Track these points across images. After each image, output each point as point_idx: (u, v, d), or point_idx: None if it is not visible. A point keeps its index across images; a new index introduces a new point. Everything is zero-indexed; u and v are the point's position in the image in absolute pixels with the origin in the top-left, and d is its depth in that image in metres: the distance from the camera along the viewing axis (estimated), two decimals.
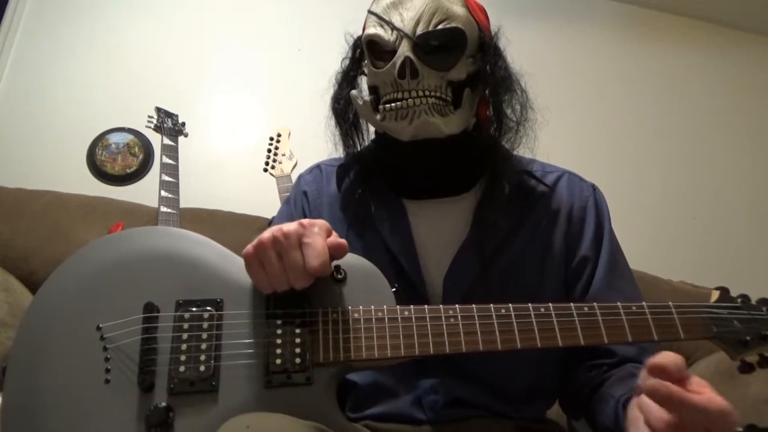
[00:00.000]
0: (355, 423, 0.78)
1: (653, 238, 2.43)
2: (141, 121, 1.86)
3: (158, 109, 1.86)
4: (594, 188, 0.90)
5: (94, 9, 2.40)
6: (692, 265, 2.25)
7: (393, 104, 0.80)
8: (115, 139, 2.26)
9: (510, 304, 0.66)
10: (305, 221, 0.65)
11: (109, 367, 0.61)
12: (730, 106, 2.80)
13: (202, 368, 0.61)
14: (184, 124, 1.88)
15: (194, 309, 0.64)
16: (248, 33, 2.51)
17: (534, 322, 0.65)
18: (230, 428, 0.54)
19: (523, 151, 0.88)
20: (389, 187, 0.88)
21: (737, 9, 2.76)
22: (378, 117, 0.83)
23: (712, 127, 2.77)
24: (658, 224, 2.52)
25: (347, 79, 0.91)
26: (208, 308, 0.64)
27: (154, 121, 1.82)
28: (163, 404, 0.59)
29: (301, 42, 2.53)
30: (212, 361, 0.62)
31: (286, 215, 0.96)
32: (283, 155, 1.89)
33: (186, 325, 0.63)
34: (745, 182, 2.71)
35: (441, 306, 0.66)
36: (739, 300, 0.69)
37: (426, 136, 0.81)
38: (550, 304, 0.66)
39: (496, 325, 0.65)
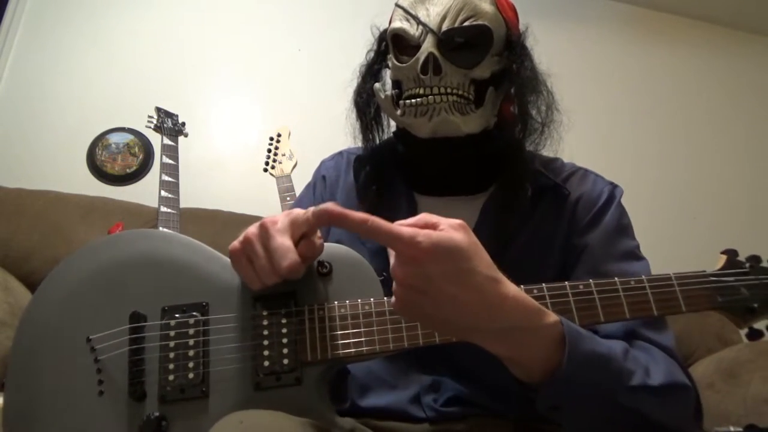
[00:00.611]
0: (354, 419, 0.78)
1: (653, 238, 2.43)
2: (141, 121, 1.87)
3: (158, 109, 1.86)
4: (613, 186, 0.88)
5: (94, 9, 2.40)
6: (692, 265, 2.25)
7: (413, 100, 0.80)
8: (115, 139, 2.26)
9: None
10: (267, 220, 0.62)
11: (101, 379, 0.62)
12: (729, 106, 2.80)
13: (191, 375, 0.61)
14: (184, 124, 1.88)
15: (179, 315, 0.64)
16: (248, 33, 2.51)
17: None
18: (224, 425, 0.55)
19: (546, 153, 0.87)
20: (403, 181, 0.88)
21: (737, 9, 2.76)
22: (398, 112, 0.82)
23: (712, 126, 2.77)
24: (658, 224, 2.52)
25: (371, 72, 0.90)
26: (194, 313, 0.64)
27: (154, 121, 1.82)
28: (156, 414, 0.60)
29: (301, 42, 2.53)
30: (201, 367, 0.61)
31: (306, 199, 0.97)
32: (283, 155, 1.89)
33: (173, 333, 0.63)
34: (746, 182, 2.71)
35: None
36: (747, 264, 0.65)
37: (444, 134, 0.81)
38: (544, 284, 0.63)
39: None
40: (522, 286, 0.63)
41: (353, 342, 0.63)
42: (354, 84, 0.93)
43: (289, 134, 1.95)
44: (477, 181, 0.86)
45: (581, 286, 0.63)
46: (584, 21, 2.80)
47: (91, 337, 0.63)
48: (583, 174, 0.89)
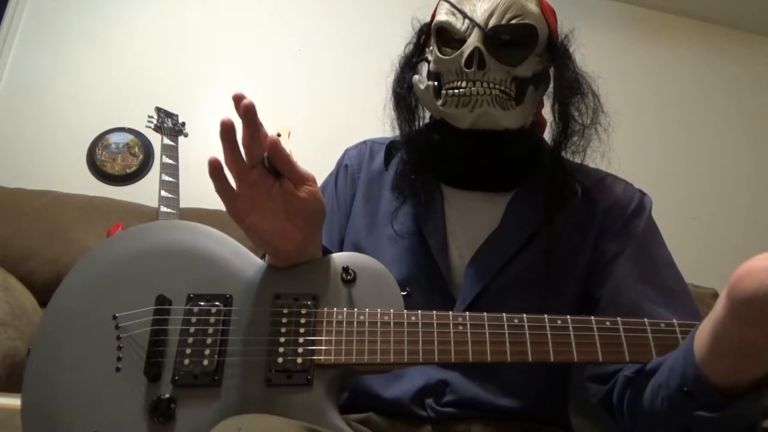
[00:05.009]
0: (359, 414, 0.78)
1: None
2: (141, 121, 1.87)
3: (158, 109, 1.86)
4: (642, 194, 0.89)
5: (93, 9, 2.40)
6: (692, 265, 2.25)
7: (456, 90, 0.80)
8: (115, 139, 2.26)
9: (524, 315, 0.64)
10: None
11: (120, 356, 0.63)
12: (729, 106, 2.80)
13: (205, 362, 0.62)
14: (184, 124, 1.88)
15: (203, 303, 0.65)
16: (248, 33, 2.51)
17: (549, 335, 0.63)
18: (222, 429, 0.55)
19: (592, 156, 0.87)
20: (432, 171, 0.89)
21: (737, 9, 2.76)
22: (439, 102, 0.83)
23: (712, 126, 2.77)
24: (658, 224, 2.52)
25: (409, 64, 0.91)
26: (217, 303, 0.65)
27: (154, 121, 1.82)
28: (167, 395, 0.61)
29: (301, 42, 2.53)
30: (216, 356, 0.63)
31: (328, 187, 0.98)
32: None
33: (194, 319, 0.65)
34: (746, 182, 2.71)
35: (450, 313, 0.65)
36: None
37: (484, 127, 0.82)
38: (569, 316, 0.64)
39: (507, 336, 0.63)
40: (545, 316, 0.64)
41: (368, 350, 0.63)
42: (388, 76, 0.94)
43: (289, 134, 1.95)
44: (505, 178, 0.87)
45: (608, 323, 0.63)
46: (583, 20, 2.80)
47: (117, 314, 0.65)
48: (612, 180, 0.90)
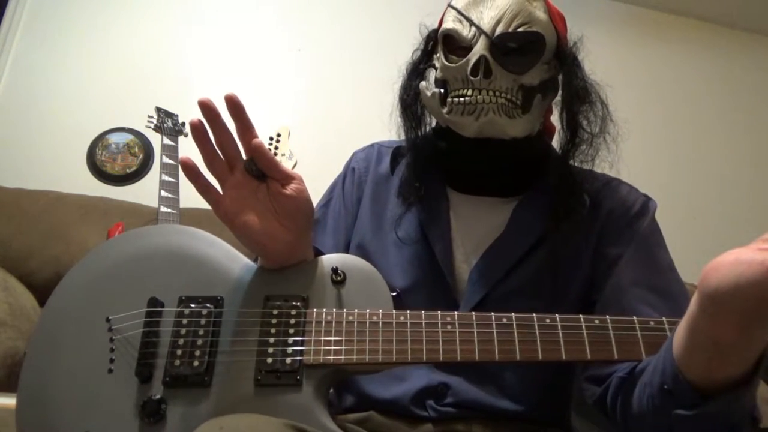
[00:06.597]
0: (361, 412, 0.78)
1: None
2: (141, 121, 1.86)
3: (158, 109, 1.86)
4: (647, 198, 0.88)
5: (93, 9, 2.40)
6: (692, 265, 2.25)
7: (462, 98, 0.79)
8: (115, 139, 2.26)
9: (513, 314, 0.64)
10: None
11: (113, 358, 0.64)
12: (730, 106, 2.80)
13: (196, 363, 0.63)
14: (184, 124, 1.87)
15: (194, 305, 0.66)
16: (248, 33, 2.51)
17: (537, 334, 0.63)
18: (204, 430, 0.55)
19: (600, 166, 0.87)
20: (438, 176, 0.88)
21: (737, 9, 2.76)
22: (444, 110, 0.82)
23: (712, 126, 2.77)
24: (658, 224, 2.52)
25: (417, 71, 0.90)
26: (208, 305, 0.66)
27: (154, 121, 1.82)
28: (157, 396, 0.61)
29: (300, 42, 2.53)
30: (206, 357, 0.63)
31: (337, 190, 0.98)
32: (283, 155, 1.89)
33: (185, 321, 0.65)
34: (746, 182, 2.71)
35: (438, 312, 0.66)
36: None
37: (489, 135, 0.81)
38: (557, 315, 0.64)
39: (495, 334, 0.63)
40: (534, 314, 0.64)
41: (357, 349, 0.64)
42: (394, 83, 0.93)
43: (289, 134, 1.94)
44: (511, 184, 0.86)
45: (597, 321, 0.63)
46: (584, 20, 2.80)
47: (110, 317, 0.66)
48: (617, 184, 0.89)
